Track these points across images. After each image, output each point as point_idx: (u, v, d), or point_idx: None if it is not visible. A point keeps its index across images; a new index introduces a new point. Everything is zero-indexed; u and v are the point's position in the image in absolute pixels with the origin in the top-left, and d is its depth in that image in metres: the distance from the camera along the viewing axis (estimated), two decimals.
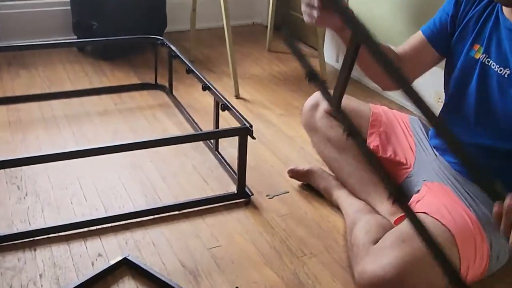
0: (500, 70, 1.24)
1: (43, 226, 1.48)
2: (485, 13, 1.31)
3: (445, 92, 1.49)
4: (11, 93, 2.29)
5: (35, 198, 1.61)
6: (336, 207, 1.59)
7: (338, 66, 2.69)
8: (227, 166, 1.79)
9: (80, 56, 2.76)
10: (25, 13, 2.86)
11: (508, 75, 1.24)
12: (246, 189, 1.64)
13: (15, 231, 1.46)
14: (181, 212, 1.57)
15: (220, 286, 1.29)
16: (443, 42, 1.41)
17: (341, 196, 1.56)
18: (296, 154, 1.89)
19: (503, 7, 1.25)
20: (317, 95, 1.65)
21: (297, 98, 2.33)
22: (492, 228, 1.22)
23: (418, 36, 1.44)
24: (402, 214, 1.29)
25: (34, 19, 2.88)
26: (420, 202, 1.30)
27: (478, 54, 1.30)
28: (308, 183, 1.70)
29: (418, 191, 1.39)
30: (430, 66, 1.47)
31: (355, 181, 1.55)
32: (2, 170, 1.71)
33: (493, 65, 1.26)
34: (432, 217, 1.19)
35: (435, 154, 1.47)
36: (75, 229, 1.48)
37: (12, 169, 1.68)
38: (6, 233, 1.44)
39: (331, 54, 2.80)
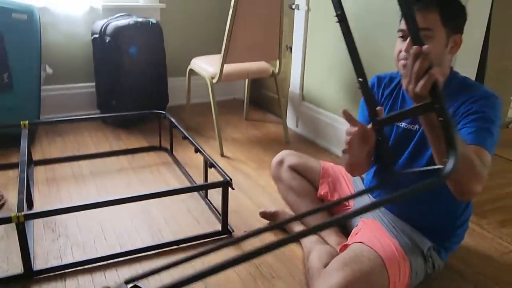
0: (412, 126, 1.32)
1: (71, 261, 1.48)
2: (394, 94, 1.38)
3: None
4: (48, 155, 2.31)
5: (66, 239, 1.61)
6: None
7: (298, 130, 2.79)
8: (214, 210, 1.80)
9: (102, 125, 2.78)
10: (62, 95, 2.89)
11: (416, 129, 1.31)
12: (228, 227, 1.66)
13: (49, 266, 1.45)
14: (179, 246, 1.58)
15: None
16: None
17: (299, 231, 1.60)
18: (267, 199, 1.92)
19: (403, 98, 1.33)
20: (282, 154, 1.68)
21: (268, 155, 2.35)
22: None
23: None
24: (345, 243, 1.31)
25: (69, 99, 2.91)
26: (358, 234, 1.31)
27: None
28: (274, 222, 1.70)
29: (357, 225, 1.39)
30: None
31: (310, 219, 1.54)
32: (44, 219, 1.70)
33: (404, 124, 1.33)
34: (367, 245, 1.21)
35: (369, 197, 1.48)
36: (97, 262, 1.48)
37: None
38: (43, 268, 1.44)
39: (292, 121, 2.85)
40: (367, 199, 1.50)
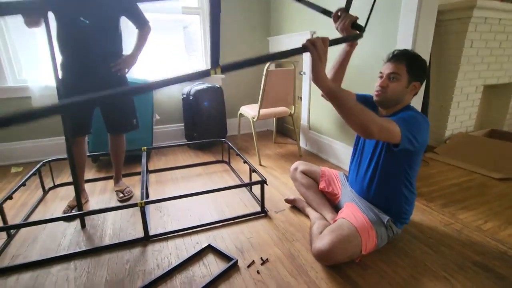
0: None
1: (170, 230, 1.49)
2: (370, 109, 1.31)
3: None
4: (157, 167, 2.34)
5: (167, 216, 1.62)
6: (306, 216, 1.58)
7: (307, 148, 2.73)
8: (256, 198, 1.79)
9: (188, 149, 2.81)
10: (165, 131, 2.93)
11: None
12: (265, 209, 1.65)
13: (158, 232, 1.47)
14: (235, 221, 1.57)
15: (253, 257, 1.28)
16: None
17: (308, 210, 1.55)
18: (288, 191, 1.89)
19: (379, 109, 1.28)
20: (296, 164, 1.66)
21: (288, 164, 2.34)
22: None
23: (353, 93, 1.37)
24: (335, 219, 1.29)
25: (168, 133, 2.94)
26: (342, 213, 1.29)
27: None
28: (294, 205, 1.69)
29: (342, 208, 1.37)
30: None
31: (314, 204, 1.54)
32: (155, 204, 1.74)
33: None
34: (346, 220, 1.21)
35: (350, 189, 1.46)
36: (185, 231, 1.49)
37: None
38: (154, 233, 1.46)
39: (303, 142, 2.78)
40: (348, 189, 1.47)
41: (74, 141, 1.64)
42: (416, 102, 1.73)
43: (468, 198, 1.78)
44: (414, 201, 1.31)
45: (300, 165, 1.66)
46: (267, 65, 2.26)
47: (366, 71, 1.97)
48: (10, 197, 1.54)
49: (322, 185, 1.56)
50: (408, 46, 1.63)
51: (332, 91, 0.98)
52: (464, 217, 1.58)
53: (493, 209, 1.66)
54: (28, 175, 1.74)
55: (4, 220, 1.51)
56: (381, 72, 1.21)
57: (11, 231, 1.49)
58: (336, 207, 1.54)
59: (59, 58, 1.52)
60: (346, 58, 1.28)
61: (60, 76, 1.49)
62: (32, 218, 1.63)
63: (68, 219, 1.58)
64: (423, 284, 1.13)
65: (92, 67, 1.54)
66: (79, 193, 1.49)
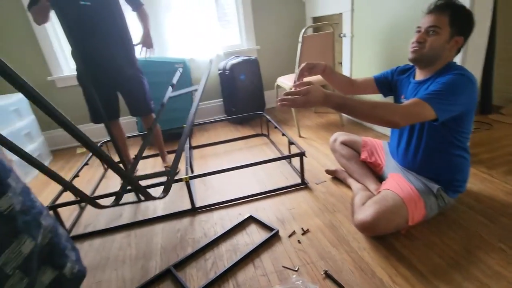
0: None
1: (215, 202, 1.55)
2: (405, 79, 1.26)
3: None
4: (199, 143, 2.41)
5: (211, 189, 1.69)
6: (348, 187, 1.55)
7: (349, 116, 2.65)
8: (296, 170, 1.79)
9: (228, 123, 2.86)
10: (205, 107, 3.01)
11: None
12: (305, 180, 1.65)
13: (204, 204, 1.54)
14: (275, 193, 1.59)
15: (294, 227, 1.30)
16: (382, 85, 1.35)
17: (350, 181, 1.52)
18: (329, 162, 1.86)
19: (416, 73, 1.19)
20: (335, 134, 1.62)
21: (329, 135, 2.28)
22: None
23: (370, 78, 1.38)
24: (379, 190, 1.24)
25: (209, 109, 3.02)
26: (386, 184, 1.24)
27: (403, 99, 1.23)
28: (335, 176, 1.66)
29: (386, 178, 1.34)
30: (368, 93, 1.40)
31: (356, 175, 1.50)
32: (199, 179, 1.81)
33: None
34: (391, 190, 1.16)
35: (393, 159, 1.38)
36: (228, 203, 1.54)
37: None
38: (200, 205, 1.53)
39: None
40: (391, 159, 1.40)
41: (111, 124, 1.77)
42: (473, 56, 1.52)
43: None
44: (469, 167, 1.21)
45: (340, 135, 1.61)
46: (303, 30, 2.15)
47: (403, 29, 1.78)
48: (77, 175, 1.77)
49: (363, 155, 1.50)
50: None
51: (336, 107, 0.97)
52: None
53: None
54: (90, 155, 1.95)
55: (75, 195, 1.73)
56: (419, 27, 1.09)
57: (82, 204, 1.71)
58: (380, 178, 1.48)
59: (69, 48, 1.54)
60: (330, 79, 1.37)
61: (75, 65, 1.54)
62: (97, 193, 1.85)
63: (125, 192, 1.75)
64: (476, 256, 1.06)
65: (98, 50, 1.51)
66: (127, 166, 1.65)
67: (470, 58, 1.51)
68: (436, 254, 1.09)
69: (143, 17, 1.69)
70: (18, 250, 0.56)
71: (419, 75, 1.17)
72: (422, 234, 1.17)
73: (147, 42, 1.70)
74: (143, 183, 1.38)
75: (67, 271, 0.68)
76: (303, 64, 1.29)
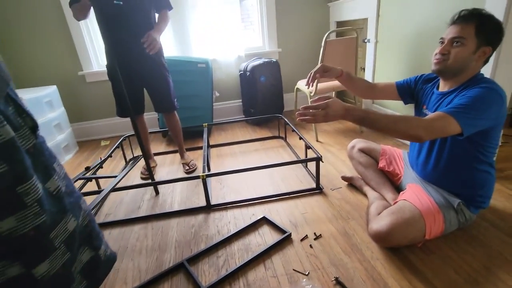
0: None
1: (229, 200, 1.56)
2: (429, 89, 1.22)
3: None
4: (217, 142, 2.44)
5: (226, 188, 1.70)
6: (364, 195, 1.53)
7: None
8: (311, 175, 1.78)
9: (246, 124, 2.87)
10: (224, 107, 3.04)
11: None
12: (320, 185, 1.63)
13: (219, 202, 1.56)
14: (289, 196, 1.59)
15: (306, 232, 1.30)
16: (404, 93, 1.32)
17: (366, 189, 1.50)
18: (346, 168, 1.83)
19: (440, 84, 1.16)
20: (354, 141, 1.60)
21: (347, 140, 2.25)
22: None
23: (392, 83, 1.35)
24: (396, 200, 1.22)
25: (227, 109, 3.05)
26: (404, 194, 1.22)
27: (425, 109, 1.21)
28: (351, 183, 1.64)
29: (405, 189, 1.30)
30: (388, 98, 1.37)
31: (373, 183, 1.47)
32: (215, 177, 1.84)
33: (428, 112, 1.18)
34: (409, 202, 1.13)
35: (412, 170, 1.35)
36: (243, 202, 1.56)
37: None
38: (215, 203, 1.55)
39: None
40: (410, 170, 1.36)
41: (136, 119, 1.82)
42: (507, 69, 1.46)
43: None
44: (493, 183, 1.16)
45: (358, 143, 1.59)
46: (326, 34, 2.14)
47: (430, 36, 1.74)
48: (101, 167, 1.84)
49: (382, 164, 1.47)
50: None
51: (357, 120, 0.97)
52: None
53: None
54: (113, 148, 2.03)
55: (98, 185, 1.84)
56: (442, 38, 1.06)
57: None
58: (397, 189, 1.44)
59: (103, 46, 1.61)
60: (347, 84, 1.36)
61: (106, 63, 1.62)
62: (119, 185, 1.90)
63: (145, 185, 1.81)
64: (495, 275, 1.02)
65: (128, 47, 1.60)
66: (148, 160, 1.70)
67: (501, 69, 1.45)
68: (452, 269, 1.06)
69: (162, 19, 1.70)
70: (65, 227, 0.61)
71: (444, 86, 1.14)
72: (438, 248, 1.14)
73: (149, 38, 1.70)
74: (159, 176, 1.41)
75: (102, 253, 0.73)
76: (317, 66, 1.28)
